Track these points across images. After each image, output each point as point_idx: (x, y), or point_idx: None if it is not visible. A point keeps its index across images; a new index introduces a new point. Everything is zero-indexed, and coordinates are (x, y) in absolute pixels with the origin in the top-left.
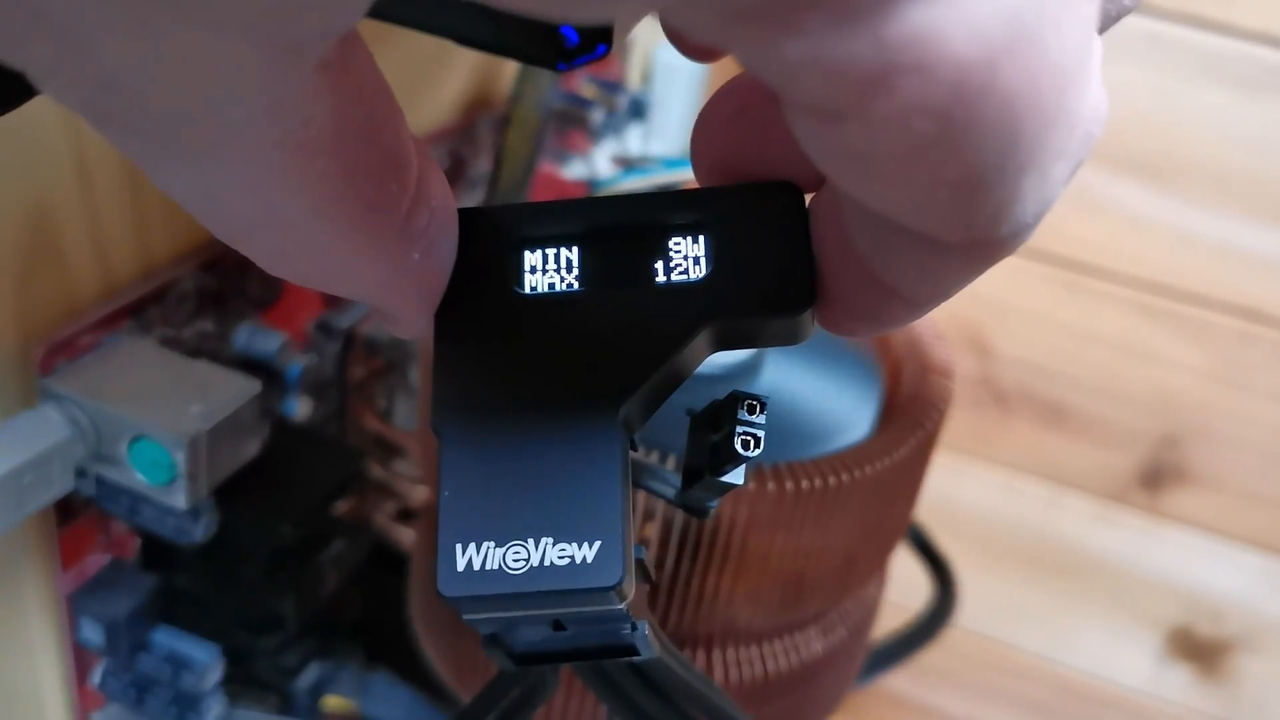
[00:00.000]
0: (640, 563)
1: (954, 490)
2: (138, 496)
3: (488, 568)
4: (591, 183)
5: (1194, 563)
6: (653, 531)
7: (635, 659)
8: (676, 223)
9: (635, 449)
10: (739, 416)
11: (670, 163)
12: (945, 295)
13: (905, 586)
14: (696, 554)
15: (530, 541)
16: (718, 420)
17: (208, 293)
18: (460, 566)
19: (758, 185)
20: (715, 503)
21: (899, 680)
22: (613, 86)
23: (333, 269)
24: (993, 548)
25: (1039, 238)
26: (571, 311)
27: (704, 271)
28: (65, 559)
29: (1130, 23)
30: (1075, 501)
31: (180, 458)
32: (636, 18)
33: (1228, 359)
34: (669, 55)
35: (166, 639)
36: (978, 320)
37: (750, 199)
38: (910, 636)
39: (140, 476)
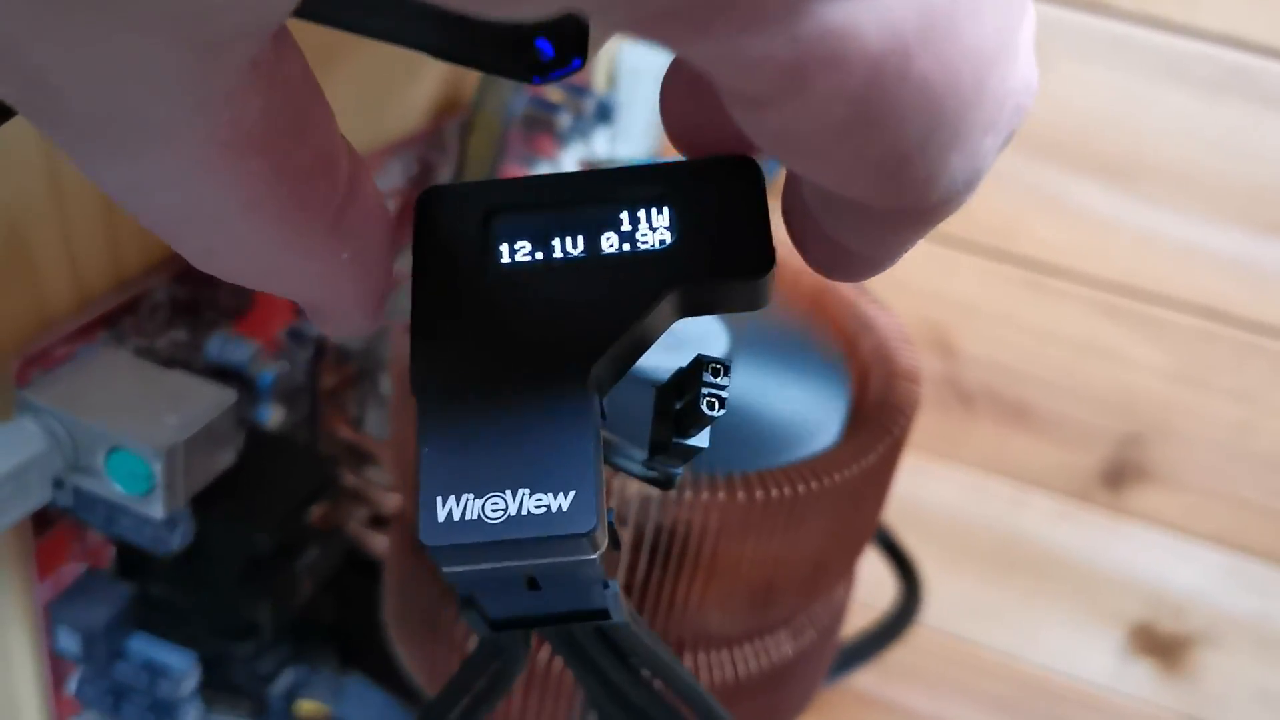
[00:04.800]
0: (610, 526)
1: (919, 490)
2: (115, 507)
3: (467, 518)
4: None
5: (1156, 560)
6: (625, 537)
7: (605, 624)
8: (641, 194)
9: (604, 417)
10: (704, 379)
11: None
12: (897, 253)
13: (872, 586)
14: (668, 561)
15: (508, 492)
16: (682, 387)
17: (180, 303)
18: (441, 518)
19: (718, 159)
20: (680, 470)
21: (866, 678)
22: (579, 90)
23: (262, 266)
24: (957, 546)
25: (1003, 238)
26: (542, 279)
27: (668, 240)
28: (42, 568)
29: (1093, 24)
30: (1039, 500)
31: (158, 468)
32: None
33: (1190, 358)
34: (634, 58)
35: (143, 646)
36: (942, 321)
37: (711, 172)
38: (877, 635)
39: (118, 487)
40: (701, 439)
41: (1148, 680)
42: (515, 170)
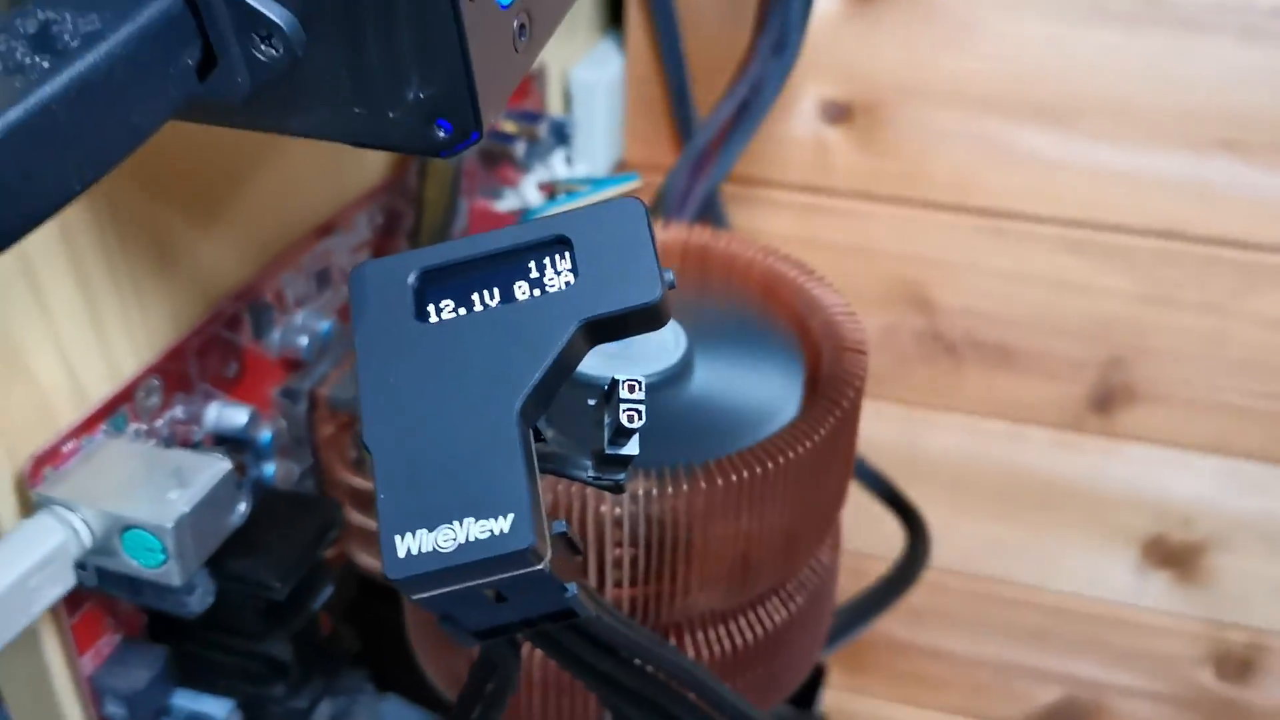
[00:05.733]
0: (565, 536)
1: (919, 441)
2: (136, 580)
3: (423, 550)
4: (524, 212)
5: (1157, 474)
6: (618, 535)
7: (578, 620)
8: (544, 243)
9: (542, 439)
10: (621, 396)
11: (598, 183)
12: None
13: (888, 539)
14: (649, 552)
15: (455, 523)
16: (607, 405)
17: (173, 383)
18: (400, 554)
19: (607, 202)
20: (624, 476)
21: (898, 628)
22: (532, 116)
23: None
24: (964, 490)
25: (959, 193)
26: (468, 330)
27: (572, 280)
28: (80, 644)
29: None
30: (1035, 434)
31: (168, 541)
32: None
33: (1155, 280)
34: (585, 73)
35: (184, 701)
36: (917, 278)
37: (602, 215)
38: (889, 584)
39: (135, 563)
40: (631, 447)
41: (1167, 591)
42: (482, 204)
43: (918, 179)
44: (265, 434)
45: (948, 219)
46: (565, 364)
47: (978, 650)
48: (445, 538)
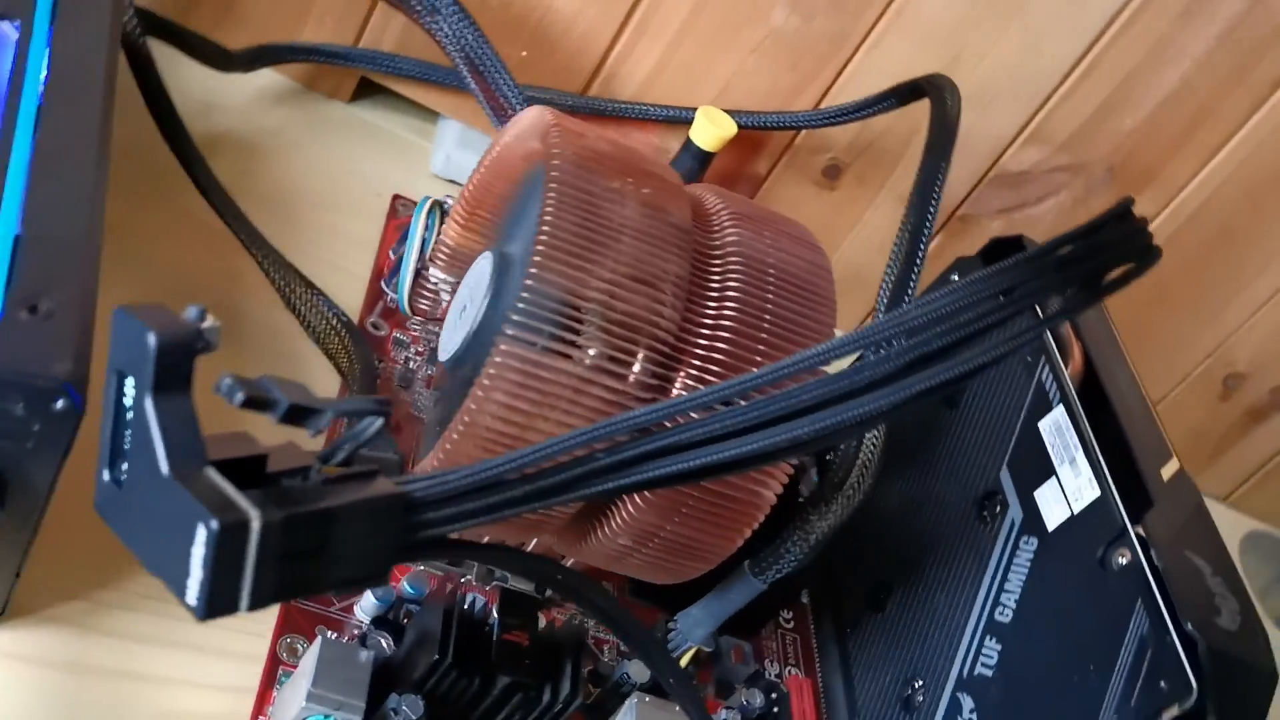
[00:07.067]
0: (358, 470)
1: None
2: None
3: (197, 583)
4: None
5: None
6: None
7: (414, 496)
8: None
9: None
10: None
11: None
12: None
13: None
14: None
15: (191, 550)
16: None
17: (308, 629)
18: (194, 602)
19: None
20: (322, 412)
21: None
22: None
23: None
24: None
25: None
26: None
27: None
28: None
29: None
30: None
31: (321, 709)
32: None
33: None
34: (440, 159)
35: None
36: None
37: None
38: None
39: None
40: (276, 407)
41: None
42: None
43: None
44: (398, 592)
45: None
46: (174, 419)
47: None
48: (194, 560)
